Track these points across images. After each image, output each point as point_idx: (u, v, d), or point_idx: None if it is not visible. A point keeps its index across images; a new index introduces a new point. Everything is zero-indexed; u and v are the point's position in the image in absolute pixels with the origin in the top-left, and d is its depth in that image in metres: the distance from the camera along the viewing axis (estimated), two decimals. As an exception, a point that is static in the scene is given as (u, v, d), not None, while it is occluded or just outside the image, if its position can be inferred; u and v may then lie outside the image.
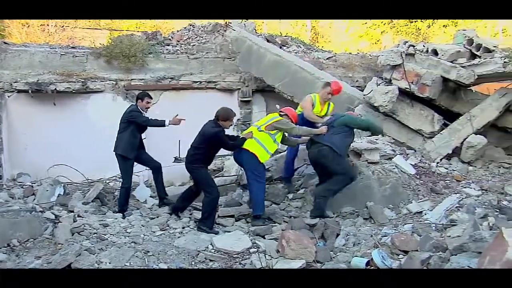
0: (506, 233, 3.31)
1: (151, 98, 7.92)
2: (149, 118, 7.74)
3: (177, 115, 7.69)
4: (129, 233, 6.48)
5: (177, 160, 9.06)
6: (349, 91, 10.52)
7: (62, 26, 18.42)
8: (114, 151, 7.64)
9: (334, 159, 7.14)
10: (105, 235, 6.27)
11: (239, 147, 7.14)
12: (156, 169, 8.00)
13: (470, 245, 4.45)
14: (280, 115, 7.40)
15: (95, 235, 6.23)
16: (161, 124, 7.63)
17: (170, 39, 12.13)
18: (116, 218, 7.07)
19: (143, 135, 7.96)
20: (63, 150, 9.89)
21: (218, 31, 12.38)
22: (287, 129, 7.32)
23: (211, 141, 6.92)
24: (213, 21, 12.54)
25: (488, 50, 9.49)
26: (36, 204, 7.04)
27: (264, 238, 6.60)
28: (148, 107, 7.85)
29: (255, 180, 7.07)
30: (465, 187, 7.68)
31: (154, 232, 6.64)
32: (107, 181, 9.04)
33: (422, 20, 18.32)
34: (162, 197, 7.99)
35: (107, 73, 10.76)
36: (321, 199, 7.09)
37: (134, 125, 7.62)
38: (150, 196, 8.47)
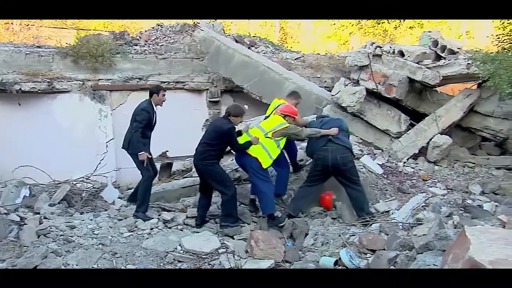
0: (469, 232, 3.38)
1: (165, 90, 7.70)
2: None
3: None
4: (97, 234, 6.39)
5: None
6: (317, 91, 10.60)
7: (27, 25, 18.15)
8: (123, 148, 7.46)
9: (354, 164, 7.07)
10: (72, 237, 6.17)
11: (245, 150, 6.93)
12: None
13: (436, 243, 4.52)
14: (282, 116, 7.09)
15: (62, 237, 6.12)
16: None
17: (138, 39, 12.06)
18: (83, 220, 6.97)
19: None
20: (28, 151, 9.73)
21: (187, 31, 12.35)
22: (296, 133, 7.12)
23: (224, 136, 6.79)
24: (181, 21, 12.50)
25: (452, 52, 9.70)
26: (1, 206, 6.90)
27: (233, 239, 6.60)
28: (164, 100, 7.57)
29: (261, 179, 6.84)
30: (431, 187, 7.84)
31: (122, 233, 6.55)
32: (74, 182, 8.89)
33: (389, 21, 18.54)
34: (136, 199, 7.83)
35: (73, 73, 10.63)
36: (363, 202, 6.89)
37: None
38: (118, 197, 8.37)
